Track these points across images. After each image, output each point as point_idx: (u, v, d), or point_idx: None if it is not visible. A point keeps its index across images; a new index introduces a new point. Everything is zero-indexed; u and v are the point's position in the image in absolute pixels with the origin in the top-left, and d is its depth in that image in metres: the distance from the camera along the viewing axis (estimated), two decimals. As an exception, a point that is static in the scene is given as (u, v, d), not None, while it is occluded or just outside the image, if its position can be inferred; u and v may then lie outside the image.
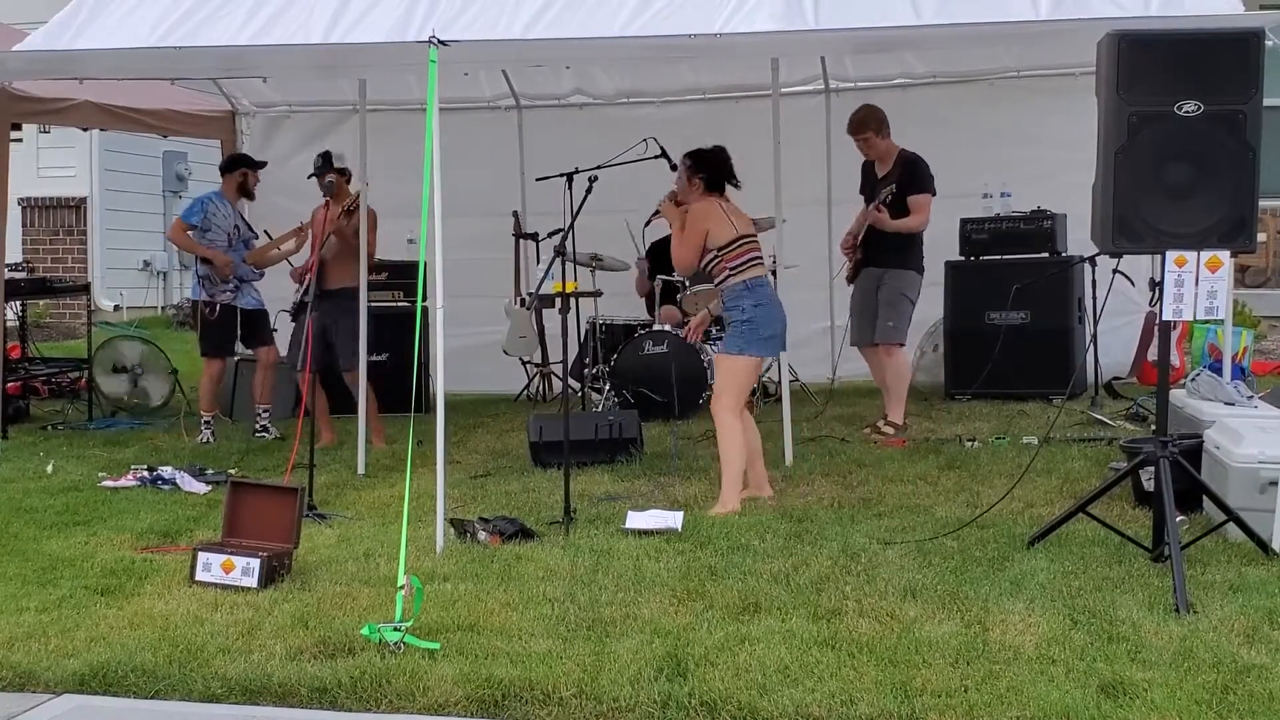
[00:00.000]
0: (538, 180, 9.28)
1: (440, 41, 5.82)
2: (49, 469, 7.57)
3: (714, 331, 9.00)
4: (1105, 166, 4.93)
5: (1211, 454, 5.67)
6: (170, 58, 6.78)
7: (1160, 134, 4.86)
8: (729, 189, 6.49)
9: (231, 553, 5.19)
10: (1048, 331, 8.78)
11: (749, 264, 6.31)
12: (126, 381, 9.97)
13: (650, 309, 9.45)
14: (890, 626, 4.44)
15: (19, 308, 10.29)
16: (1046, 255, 9.00)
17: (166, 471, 7.19)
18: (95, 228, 15.38)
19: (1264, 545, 5.13)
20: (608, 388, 8.75)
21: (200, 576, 5.16)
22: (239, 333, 8.78)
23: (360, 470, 7.41)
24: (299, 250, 8.64)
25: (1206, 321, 8.28)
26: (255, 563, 5.11)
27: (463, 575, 5.17)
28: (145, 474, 7.18)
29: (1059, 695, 3.81)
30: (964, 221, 9.20)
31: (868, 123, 8.09)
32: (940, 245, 8.84)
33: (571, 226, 7.29)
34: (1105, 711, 3.72)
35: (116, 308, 15.30)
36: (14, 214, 13.18)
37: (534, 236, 9.86)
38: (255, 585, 5.06)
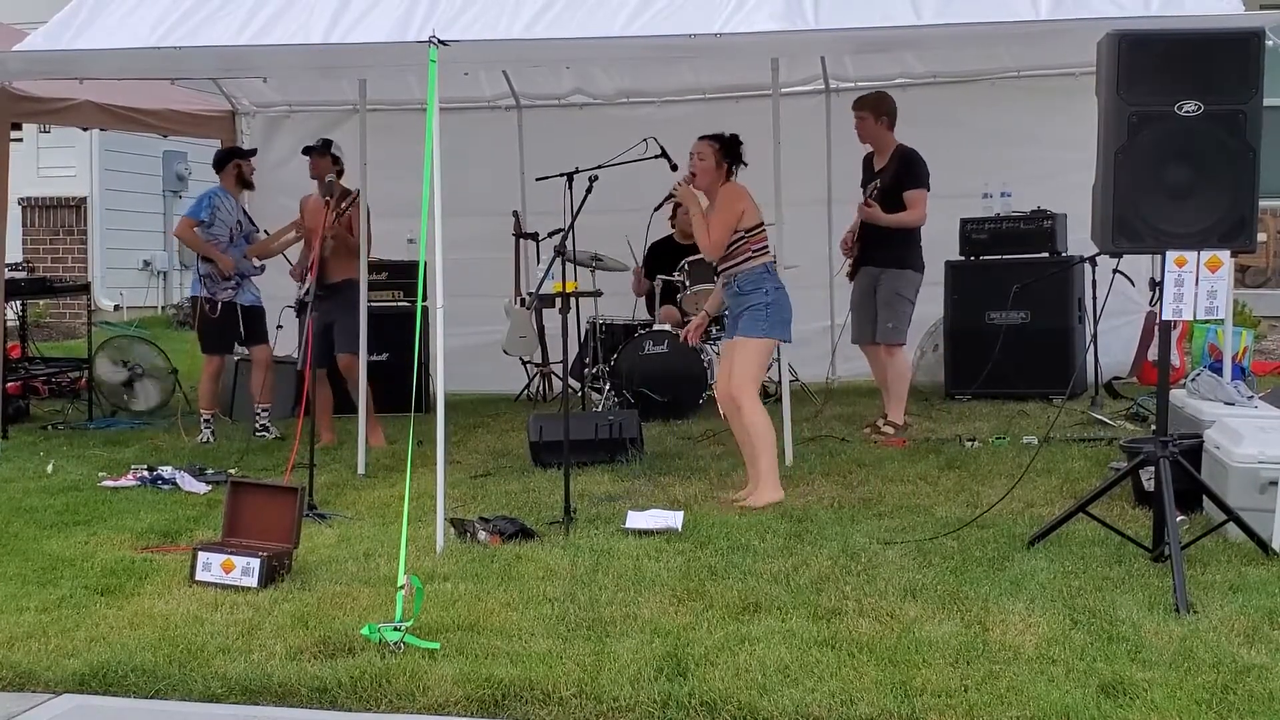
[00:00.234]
0: (538, 180, 9.27)
1: (440, 41, 5.82)
2: (49, 469, 7.57)
3: (714, 331, 9.01)
4: (1105, 166, 4.93)
5: (1211, 454, 5.67)
6: (170, 58, 6.78)
7: (1160, 134, 4.86)
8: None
9: (231, 552, 5.19)
10: (1048, 331, 8.77)
11: (766, 248, 6.44)
12: (126, 381, 9.96)
13: (650, 309, 9.45)
14: (890, 626, 4.44)
15: (19, 308, 10.29)
16: (1046, 255, 9.00)
17: (166, 471, 7.19)
18: (95, 228, 15.39)
19: (1264, 545, 5.13)
20: (608, 388, 8.75)
21: (200, 576, 5.16)
22: (241, 331, 8.78)
23: (360, 470, 7.42)
24: (300, 238, 8.66)
25: (1206, 321, 8.28)
26: (255, 563, 5.11)
27: (463, 575, 5.17)
28: (145, 474, 7.19)
29: (1059, 695, 3.81)
30: (964, 221, 9.20)
31: (866, 103, 8.14)
32: (940, 245, 8.84)
33: (571, 226, 7.30)
34: (1105, 711, 3.72)
35: (116, 307, 15.30)
36: (14, 214, 13.18)
37: (534, 236, 9.86)
38: (255, 585, 5.06)
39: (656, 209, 7.59)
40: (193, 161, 15.74)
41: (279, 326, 9.10)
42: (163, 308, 16.24)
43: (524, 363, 9.99)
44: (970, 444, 7.54)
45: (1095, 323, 7.11)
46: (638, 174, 8.28)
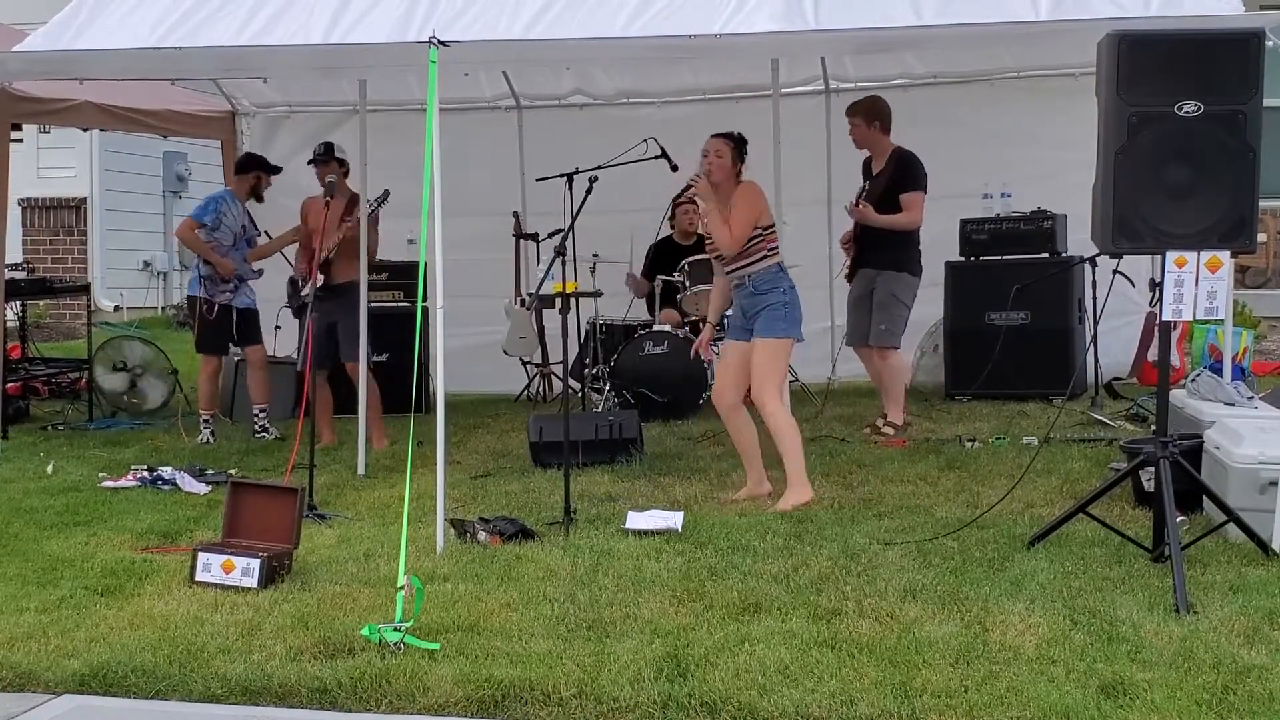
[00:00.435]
0: (538, 180, 9.27)
1: (440, 42, 5.82)
2: (49, 469, 7.57)
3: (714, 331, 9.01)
4: (1105, 166, 4.93)
5: (1211, 454, 5.67)
6: (170, 58, 6.78)
7: (1160, 134, 4.86)
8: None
9: (231, 553, 5.19)
10: (1048, 331, 8.77)
11: (778, 248, 6.46)
12: (126, 381, 9.97)
13: (650, 309, 9.46)
14: (890, 626, 4.44)
15: (19, 308, 10.30)
16: (1046, 255, 9.00)
17: (166, 472, 7.19)
18: (95, 228, 15.40)
19: (1264, 545, 5.13)
20: (608, 388, 8.75)
21: (200, 577, 5.16)
22: (234, 333, 8.80)
23: (360, 470, 7.42)
24: (298, 239, 8.68)
25: (1206, 322, 8.28)
26: (255, 563, 5.11)
27: (463, 575, 5.17)
28: (145, 474, 7.19)
29: (1059, 695, 3.81)
30: (964, 221, 9.20)
31: (858, 109, 8.14)
32: (940, 245, 8.84)
33: (571, 226, 7.29)
34: (1105, 711, 3.72)
35: (116, 308, 15.31)
36: (14, 214, 13.18)
37: (534, 236, 9.86)
38: (255, 585, 5.06)
39: (676, 200, 7.53)
40: (193, 162, 15.75)
41: (277, 327, 9.09)
42: (163, 308, 16.24)
43: (524, 363, 9.99)
44: (970, 444, 7.54)
45: (1095, 323, 7.11)
46: (638, 174, 8.28)
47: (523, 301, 9.37)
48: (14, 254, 12.95)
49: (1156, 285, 6.48)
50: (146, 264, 16.16)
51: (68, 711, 4.13)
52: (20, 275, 10.77)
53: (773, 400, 6.30)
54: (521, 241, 10.00)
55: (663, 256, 9.39)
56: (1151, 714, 3.70)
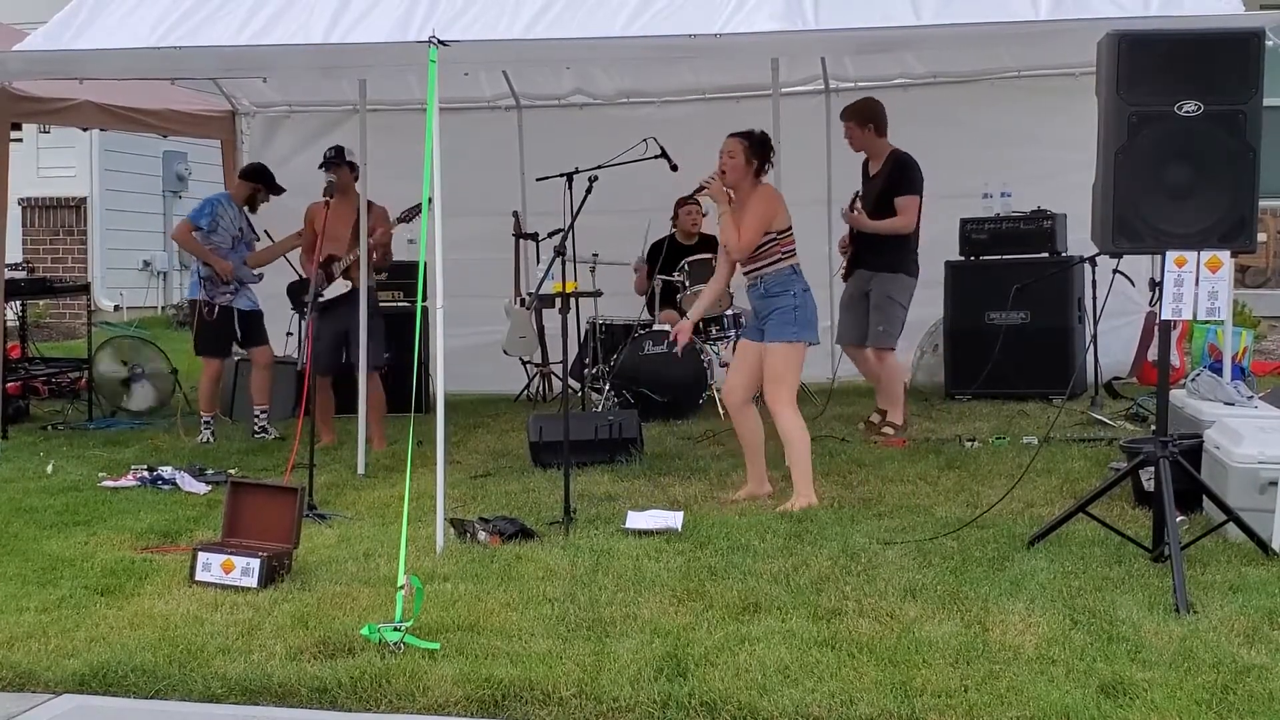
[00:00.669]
0: (538, 180, 9.28)
1: (440, 41, 5.82)
2: (49, 469, 7.57)
3: (713, 331, 9.01)
4: (1105, 166, 4.93)
5: (1211, 454, 5.67)
6: (170, 58, 6.78)
7: (1160, 134, 4.86)
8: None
9: (231, 553, 5.19)
10: (1048, 331, 8.77)
11: (794, 250, 6.41)
12: (126, 381, 9.96)
13: (650, 309, 9.46)
14: (890, 626, 4.44)
15: (19, 308, 10.29)
16: (1046, 255, 9.00)
17: (166, 471, 7.19)
18: (95, 228, 15.40)
19: (1264, 545, 5.13)
20: (608, 388, 8.75)
21: (200, 576, 5.16)
22: (237, 334, 8.79)
23: (360, 470, 7.41)
24: (299, 244, 8.67)
25: (1206, 321, 8.28)
26: (255, 563, 5.11)
27: (463, 575, 5.17)
28: (145, 474, 7.19)
29: (1059, 695, 3.81)
30: (964, 221, 9.20)
31: (851, 112, 8.14)
32: (940, 245, 8.84)
33: (571, 226, 7.30)
34: (1105, 711, 3.72)
35: (116, 308, 15.31)
36: (14, 214, 13.20)
37: (534, 236, 9.86)
38: (255, 585, 5.06)
39: (686, 200, 7.51)
40: (193, 162, 15.75)
41: (289, 334, 9.09)
42: (162, 308, 16.24)
43: (524, 363, 9.99)
44: (970, 444, 7.54)
45: (1095, 323, 7.11)
46: (638, 174, 8.28)
47: (523, 301, 9.37)
48: (14, 254, 12.96)
49: (1156, 285, 6.48)
50: (146, 264, 16.16)
51: (68, 711, 4.13)
52: (20, 275, 10.76)
53: (785, 405, 6.28)
54: (521, 241, 10.01)
55: (664, 256, 9.38)
56: (1151, 714, 3.70)
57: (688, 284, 8.92)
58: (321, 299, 7.92)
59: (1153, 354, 8.62)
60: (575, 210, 7.28)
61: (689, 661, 4.13)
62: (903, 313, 8.04)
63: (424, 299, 5.53)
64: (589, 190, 7.53)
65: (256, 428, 8.72)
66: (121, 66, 7.58)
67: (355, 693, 4.06)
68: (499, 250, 9.99)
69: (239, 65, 8.19)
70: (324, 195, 7.86)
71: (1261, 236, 12.17)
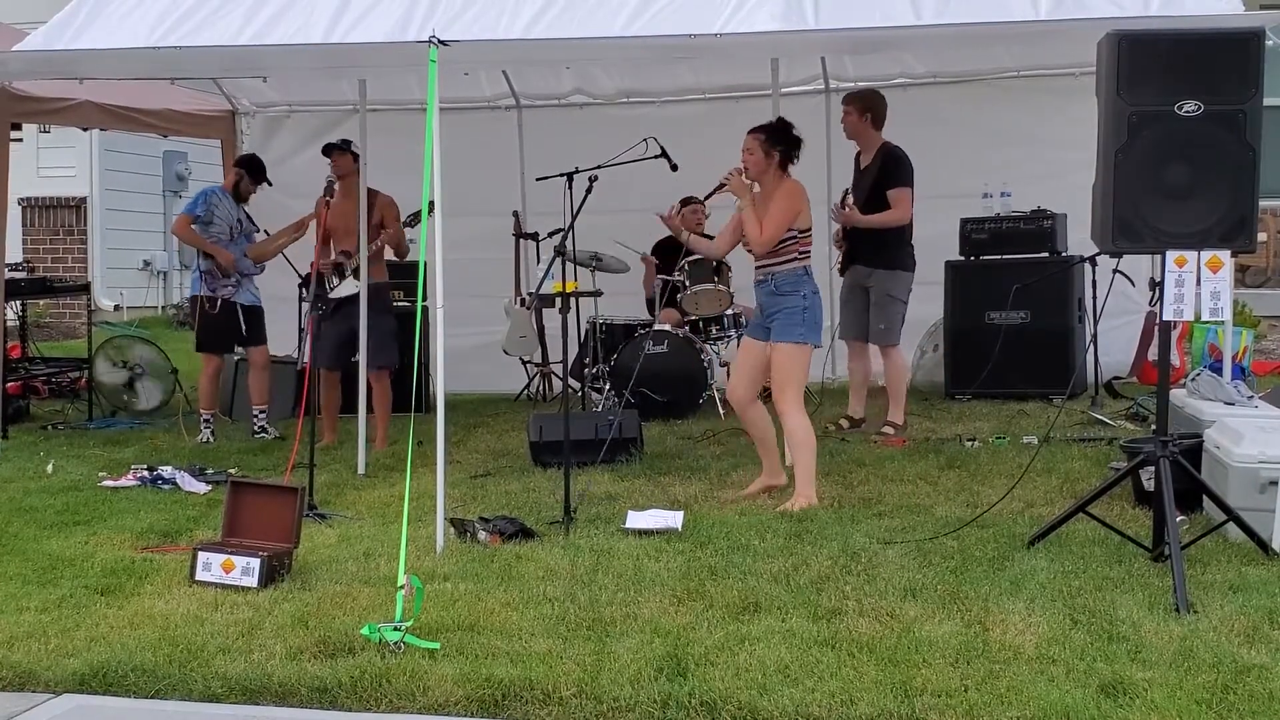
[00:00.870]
0: (538, 180, 9.28)
1: (440, 41, 5.82)
2: (49, 469, 7.57)
3: (714, 331, 9.02)
4: (1105, 166, 4.93)
5: (1211, 454, 5.67)
6: (170, 58, 6.78)
7: (1160, 134, 4.86)
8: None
9: (231, 552, 5.19)
10: (1048, 331, 8.77)
11: (810, 252, 6.39)
12: (126, 381, 9.97)
13: (650, 309, 9.45)
14: (890, 626, 4.44)
15: (19, 308, 10.30)
16: (1046, 255, 9.00)
17: (166, 471, 7.19)
18: (95, 228, 15.40)
19: (1264, 545, 5.13)
20: (608, 388, 8.75)
21: (200, 576, 5.16)
22: (242, 329, 8.77)
23: (360, 470, 7.41)
24: (299, 237, 8.67)
25: (1206, 321, 8.28)
26: (255, 562, 5.11)
27: (463, 575, 5.17)
28: (145, 474, 7.19)
29: (1059, 695, 3.81)
30: (964, 221, 9.20)
31: (854, 98, 8.15)
32: (940, 245, 8.85)
33: (571, 226, 7.30)
34: (1105, 711, 3.72)
35: (116, 307, 15.31)
36: (14, 214, 13.19)
37: (534, 236, 9.86)
38: (255, 585, 5.06)
39: (706, 198, 7.50)
40: (193, 162, 15.75)
41: (302, 329, 9.08)
42: (163, 308, 16.24)
43: (524, 363, 10.00)
44: (970, 444, 7.54)
45: (1095, 323, 7.11)
46: (637, 174, 8.28)
47: (523, 301, 9.37)
48: (14, 253, 12.94)
49: (1156, 285, 6.48)
50: (146, 263, 16.16)
51: (68, 711, 4.13)
52: (20, 275, 10.76)
53: (791, 406, 6.26)
54: (521, 241, 10.01)
55: (667, 255, 9.38)
56: (1151, 713, 3.70)
57: (688, 284, 8.92)
58: (331, 297, 7.93)
59: (1153, 354, 8.62)
60: (575, 210, 7.29)
61: (689, 661, 4.14)
62: (902, 308, 8.05)
63: (424, 299, 5.54)
64: (589, 190, 7.53)
65: (256, 427, 8.72)
66: (121, 66, 7.59)
67: (355, 692, 4.06)
68: (499, 250, 9.99)
69: (239, 65, 8.19)
70: (324, 195, 7.86)
71: (1261, 236, 12.16)
